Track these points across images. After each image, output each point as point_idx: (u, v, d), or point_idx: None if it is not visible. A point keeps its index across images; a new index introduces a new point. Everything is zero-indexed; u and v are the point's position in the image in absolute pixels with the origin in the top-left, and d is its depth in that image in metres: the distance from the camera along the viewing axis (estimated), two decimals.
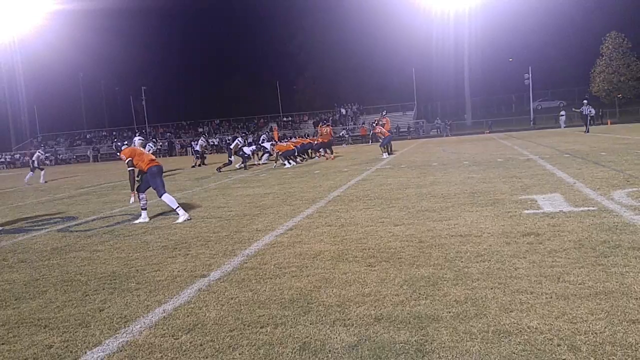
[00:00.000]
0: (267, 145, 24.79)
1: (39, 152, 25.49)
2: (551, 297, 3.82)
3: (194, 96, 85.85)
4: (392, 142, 25.70)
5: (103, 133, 74.49)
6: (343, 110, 62.97)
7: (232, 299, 4.35)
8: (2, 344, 3.75)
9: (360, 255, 5.43)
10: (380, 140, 23.71)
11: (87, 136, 74.14)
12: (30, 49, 62.74)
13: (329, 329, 3.54)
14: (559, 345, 3.06)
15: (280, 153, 21.38)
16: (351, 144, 50.86)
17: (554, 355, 2.95)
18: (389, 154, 23.27)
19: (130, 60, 79.54)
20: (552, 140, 26.17)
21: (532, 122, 55.26)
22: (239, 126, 65.85)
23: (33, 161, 24.05)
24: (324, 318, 3.74)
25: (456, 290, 4.14)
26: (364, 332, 3.45)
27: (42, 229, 9.03)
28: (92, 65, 77.74)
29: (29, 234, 8.61)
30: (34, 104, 74.10)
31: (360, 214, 7.98)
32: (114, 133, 73.62)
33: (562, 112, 51.10)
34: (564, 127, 47.32)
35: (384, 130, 23.03)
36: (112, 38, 77.11)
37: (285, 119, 66.18)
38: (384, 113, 28.98)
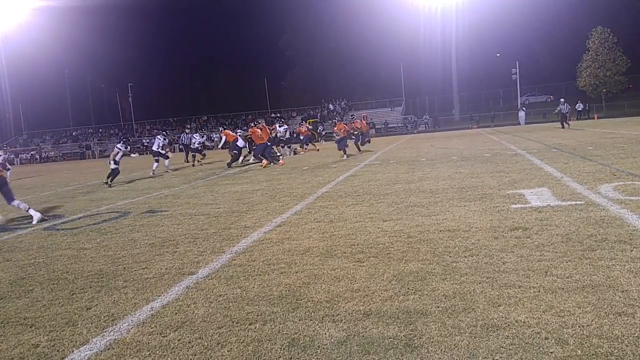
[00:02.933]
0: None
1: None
2: (539, 291, 3.84)
3: (181, 92, 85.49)
4: (377, 138, 26.41)
5: (89, 130, 73.92)
6: (331, 106, 62.97)
7: (220, 296, 4.33)
8: None
9: (349, 251, 5.43)
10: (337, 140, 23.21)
11: (73, 133, 73.55)
12: (14, 45, 62.10)
13: (317, 324, 3.53)
14: (546, 338, 3.08)
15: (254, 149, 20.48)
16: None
17: (541, 349, 2.96)
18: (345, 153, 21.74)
19: (116, 57, 79.00)
20: (540, 135, 26.34)
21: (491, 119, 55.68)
22: (227, 122, 65.64)
23: None
24: (312, 314, 3.73)
25: (445, 285, 4.15)
26: (352, 327, 3.45)
27: (28, 227, 8.94)
28: (78, 62, 77.15)
29: (14, 232, 8.52)
30: (19, 101, 73.41)
31: (349, 209, 7.98)
32: (100, 130, 73.12)
33: (523, 109, 52.04)
34: (524, 124, 48.14)
35: (339, 131, 22.05)
36: (98, 35, 76.50)
37: (273, 115, 66.03)
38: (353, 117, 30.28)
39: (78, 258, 6.24)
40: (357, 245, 5.68)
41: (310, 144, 29.15)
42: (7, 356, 3.45)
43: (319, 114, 61.81)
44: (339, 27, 73.75)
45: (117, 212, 9.95)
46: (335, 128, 22.47)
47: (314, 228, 6.79)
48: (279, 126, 25.37)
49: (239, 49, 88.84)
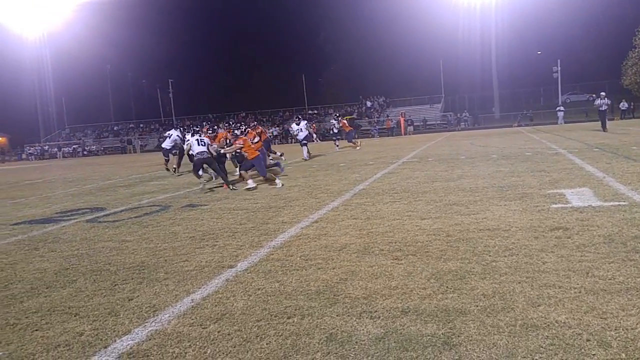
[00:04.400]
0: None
1: None
2: (580, 292, 3.78)
3: (220, 89, 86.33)
4: (416, 136, 25.74)
5: (130, 125, 75.44)
6: (369, 103, 62.71)
7: (259, 289, 4.39)
8: (36, 330, 3.85)
9: (386, 249, 5.43)
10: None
11: (115, 128, 75.19)
12: (59, 42, 63.72)
13: (355, 320, 3.55)
14: (588, 340, 3.03)
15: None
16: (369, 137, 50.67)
17: (583, 351, 2.92)
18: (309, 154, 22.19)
19: (157, 53, 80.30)
20: (580, 134, 25.72)
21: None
22: (264, 119, 66.10)
23: None
24: (350, 310, 3.76)
25: (484, 284, 4.12)
26: (390, 324, 3.46)
27: (71, 219, 9.21)
28: (120, 58, 78.71)
29: (59, 224, 8.79)
30: (62, 96, 75.30)
31: (387, 207, 7.96)
32: (141, 125, 74.54)
33: (561, 108, 50.52)
34: (563, 123, 46.67)
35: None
36: (139, 30, 77.91)
37: (310, 111, 66.18)
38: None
39: (120, 250, 6.41)
40: (395, 242, 5.67)
41: (349, 140, 28.20)
42: (54, 343, 3.58)
43: (356, 111, 61.66)
44: (377, 24, 73.42)
45: (157, 205, 10.16)
46: (340, 124, 26.17)
47: (350, 225, 6.80)
48: (296, 124, 22.86)
49: (277, 45, 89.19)
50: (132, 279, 5.06)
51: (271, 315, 3.76)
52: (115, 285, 4.90)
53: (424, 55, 67.65)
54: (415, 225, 6.50)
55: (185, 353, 3.25)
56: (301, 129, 22.20)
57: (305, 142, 21.96)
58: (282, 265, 5.09)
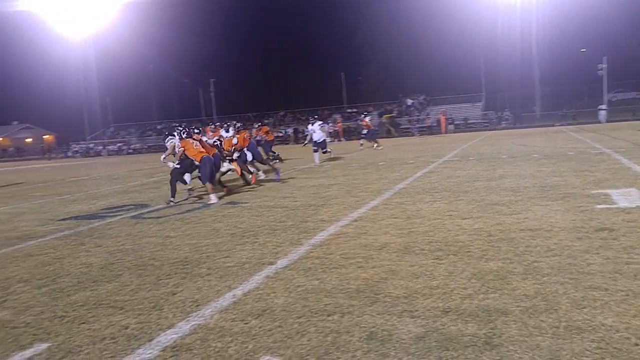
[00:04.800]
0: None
1: None
2: (627, 295, 3.68)
3: (259, 88, 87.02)
4: (456, 135, 25.10)
5: (173, 124, 76.75)
6: (410, 101, 62.18)
7: (299, 286, 4.43)
8: (82, 323, 3.98)
9: (427, 248, 5.40)
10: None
11: (158, 127, 76.62)
12: (103, 42, 65.32)
13: (396, 319, 3.55)
14: (636, 344, 2.96)
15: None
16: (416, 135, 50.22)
17: (631, 355, 2.85)
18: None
19: (199, 53, 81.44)
20: (627, 133, 24.95)
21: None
22: (303, 118, 66.32)
23: None
24: (390, 309, 3.75)
25: (526, 284, 4.06)
26: (431, 323, 3.44)
27: (117, 215, 9.44)
28: (162, 57, 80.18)
29: (104, 220, 9.03)
30: (107, 95, 77.13)
31: (427, 206, 7.91)
32: (184, 124, 75.74)
33: (602, 106, 48.87)
34: (605, 122, 45.13)
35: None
36: (182, 30, 79.31)
37: (349, 110, 66.07)
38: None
39: (164, 245, 6.55)
40: (436, 242, 5.63)
41: (372, 140, 27.15)
42: (100, 335, 3.69)
43: (396, 109, 61.25)
44: (416, 21, 72.70)
45: (200, 202, 10.32)
46: (362, 123, 25.95)
47: (390, 224, 6.78)
48: (311, 124, 19.48)
49: (317, 44, 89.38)
50: (176, 274, 5.17)
51: (311, 313, 3.79)
52: (160, 280, 5.01)
53: (464, 52, 66.67)
54: (456, 224, 6.45)
55: (228, 348, 3.30)
56: (314, 130, 19.18)
57: (316, 147, 18.97)
58: (322, 263, 5.12)
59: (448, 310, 3.66)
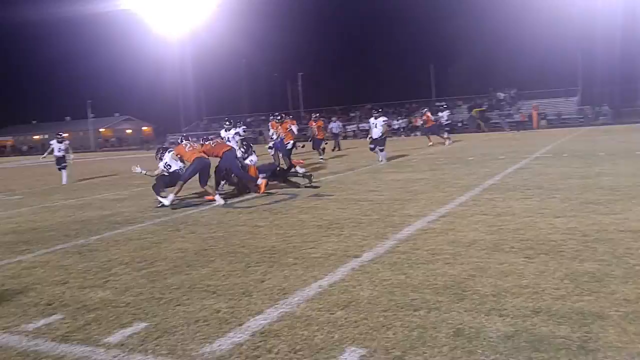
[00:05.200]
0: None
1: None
2: None
3: (347, 81, 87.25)
4: (550, 130, 23.70)
5: (262, 117, 78.52)
6: (502, 95, 60.09)
7: (384, 280, 4.42)
8: (178, 305, 4.18)
9: (517, 246, 5.23)
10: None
11: (248, 120, 78.73)
12: (199, 39, 67.80)
13: (484, 317, 3.47)
14: None
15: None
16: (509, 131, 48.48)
17: None
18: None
19: (289, 47, 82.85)
20: None
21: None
22: (390, 111, 65.83)
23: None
24: (478, 306, 3.67)
25: (625, 288, 3.84)
26: (521, 323, 3.34)
27: (209, 204, 9.80)
28: (255, 52, 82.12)
29: (198, 208, 9.41)
30: (201, 89, 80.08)
31: (518, 203, 7.64)
32: (271, 117, 77.32)
33: None
34: None
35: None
36: (274, 25, 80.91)
37: (437, 103, 64.87)
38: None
39: (253, 234, 6.74)
40: (526, 240, 5.44)
41: (437, 135, 26.03)
42: (194, 318, 3.86)
43: (486, 103, 59.44)
44: (510, 11, 70.01)
45: (287, 194, 10.52)
46: (424, 117, 25.59)
47: (480, 220, 6.62)
48: (374, 118, 17.10)
49: (406, 36, 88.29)
50: (264, 262, 5.32)
51: (397, 307, 3.78)
52: (249, 267, 5.17)
53: (559, 44, 63.45)
54: (549, 223, 6.19)
55: (314, 336, 3.36)
56: (376, 125, 16.74)
57: (373, 145, 16.89)
58: (408, 258, 5.08)
59: (539, 310, 3.53)
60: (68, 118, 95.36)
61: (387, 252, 5.37)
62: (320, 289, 4.32)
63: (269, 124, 17.20)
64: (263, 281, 4.67)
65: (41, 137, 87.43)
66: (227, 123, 14.63)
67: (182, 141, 10.48)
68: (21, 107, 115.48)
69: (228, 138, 13.14)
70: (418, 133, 28.69)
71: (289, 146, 14.80)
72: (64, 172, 16.82)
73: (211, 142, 10.81)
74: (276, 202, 9.51)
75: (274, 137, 15.93)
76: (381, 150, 16.69)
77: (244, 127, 16.07)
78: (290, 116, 24.78)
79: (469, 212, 7.26)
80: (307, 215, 7.83)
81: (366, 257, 5.21)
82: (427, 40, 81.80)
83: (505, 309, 3.59)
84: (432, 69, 68.87)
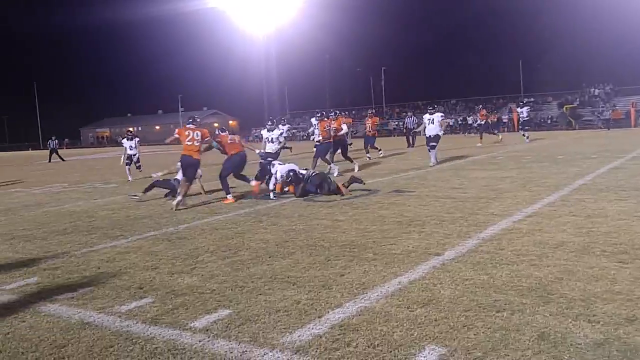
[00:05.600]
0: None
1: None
2: None
3: (431, 75, 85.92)
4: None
5: (344, 112, 78.71)
6: (596, 91, 57.00)
7: (466, 280, 4.34)
8: (260, 294, 4.29)
9: (609, 250, 4.97)
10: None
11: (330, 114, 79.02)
12: (284, 36, 68.86)
13: (571, 322, 3.33)
14: None
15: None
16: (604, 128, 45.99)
17: None
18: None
19: (372, 42, 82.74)
20: None
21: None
22: (474, 107, 64.11)
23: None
24: (565, 311, 3.53)
25: None
26: (612, 331, 3.18)
27: (290, 196, 9.95)
28: (338, 47, 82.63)
29: (279, 201, 9.59)
30: (285, 84, 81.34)
31: (611, 205, 7.25)
32: (354, 112, 77.44)
33: None
34: None
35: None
36: (358, 20, 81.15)
37: (525, 99, 62.48)
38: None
39: (333, 228, 6.80)
40: (620, 244, 5.16)
41: (489, 132, 25.25)
42: (275, 307, 3.95)
43: (578, 99, 56.62)
44: (603, 3, 66.21)
45: (367, 189, 10.51)
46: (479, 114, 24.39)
47: (569, 222, 6.34)
48: (429, 114, 15.82)
49: (494, 30, 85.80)
50: (344, 256, 5.35)
51: (479, 307, 3.69)
52: (329, 260, 5.22)
53: None
54: None
55: (393, 333, 3.35)
56: (432, 121, 15.36)
57: (434, 143, 15.23)
58: (492, 258, 4.95)
59: (633, 318, 3.34)
60: (160, 111, 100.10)
61: (470, 251, 5.26)
62: (399, 286, 4.30)
63: (316, 122, 16.29)
64: (343, 275, 4.70)
65: (135, 128, 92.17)
66: (270, 123, 12.94)
67: (224, 131, 10.73)
68: (117, 101, 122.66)
69: (272, 139, 12.18)
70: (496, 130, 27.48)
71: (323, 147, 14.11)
72: (129, 169, 15.91)
73: (229, 136, 10.44)
74: (356, 197, 9.52)
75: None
76: (433, 148, 15.09)
77: (289, 125, 15.32)
78: (372, 111, 24.42)
79: (557, 212, 6.97)
80: (387, 211, 7.80)
81: (448, 256, 5.12)
82: (516, 34, 79.05)
83: (595, 315, 3.43)
84: (520, 63, 66.36)
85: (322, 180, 9.83)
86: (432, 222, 6.82)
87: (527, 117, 26.01)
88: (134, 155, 16.30)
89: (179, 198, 9.32)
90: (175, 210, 9.02)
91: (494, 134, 25.43)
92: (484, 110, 26.39)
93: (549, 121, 51.60)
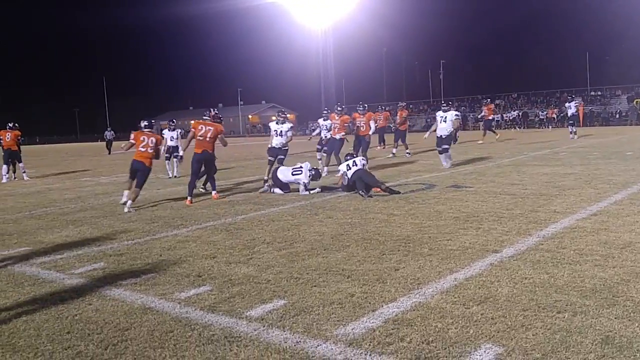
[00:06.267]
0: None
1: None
2: None
3: (492, 69, 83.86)
4: None
5: (401, 105, 77.99)
6: None
7: (525, 278, 4.22)
8: (314, 286, 4.32)
9: None
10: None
11: (387, 108, 78.55)
12: (342, 30, 68.76)
13: (637, 326, 3.19)
14: None
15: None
16: None
17: None
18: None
19: (430, 35, 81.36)
20: None
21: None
22: (538, 100, 62.14)
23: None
24: (632, 314, 3.38)
25: None
26: None
27: (353, 190, 9.90)
28: (396, 41, 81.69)
29: (335, 194, 9.60)
30: (342, 78, 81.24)
31: None
32: (411, 106, 76.61)
33: None
34: None
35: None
36: (415, 13, 79.98)
37: (592, 93, 60.06)
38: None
39: (388, 222, 6.76)
40: None
41: (488, 129, 23.99)
42: (329, 300, 3.97)
43: None
44: None
45: (423, 184, 10.39)
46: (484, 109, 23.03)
47: (637, 221, 6.06)
48: (442, 111, 13.69)
49: (559, 20, 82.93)
50: (399, 250, 5.31)
51: (539, 307, 3.59)
52: (383, 254, 5.20)
53: None
54: None
55: (448, 329, 3.31)
56: (444, 119, 13.43)
57: (446, 145, 13.44)
58: (553, 257, 4.80)
59: None
60: (220, 105, 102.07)
61: (530, 249, 5.12)
62: (455, 282, 4.23)
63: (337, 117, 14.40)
64: (397, 269, 4.67)
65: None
66: (280, 117, 11.98)
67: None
68: (179, 94, 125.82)
69: (281, 132, 11.31)
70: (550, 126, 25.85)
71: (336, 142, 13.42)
72: (175, 162, 14.50)
73: (200, 130, 9.54)
74: (412, 191, 9.42)
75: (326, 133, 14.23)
76: (446, 151, 13.38)
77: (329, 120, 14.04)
78: (403, 104, 22.99)
79: (624, 211, 6.68)
80: (444, 207, 7.68)
81: (506, 253, 5.00)
82: (583, 25, 76.04)
83: None
84: (587, 55, 63.79)
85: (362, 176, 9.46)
86: (491, 218, 6.67)
87: (575, 112, 24.67)
88: (175, 147, 14.59)
89: (126, 200, 8.94)
90: (127, 212, 8.55)
91: (493, 131, 24.51)
92: (492, 105, 25.16)
93: (617, 116, 49.42)
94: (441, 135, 13.32)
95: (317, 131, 15.32)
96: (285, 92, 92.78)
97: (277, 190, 9.96)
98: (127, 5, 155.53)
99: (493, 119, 25.49)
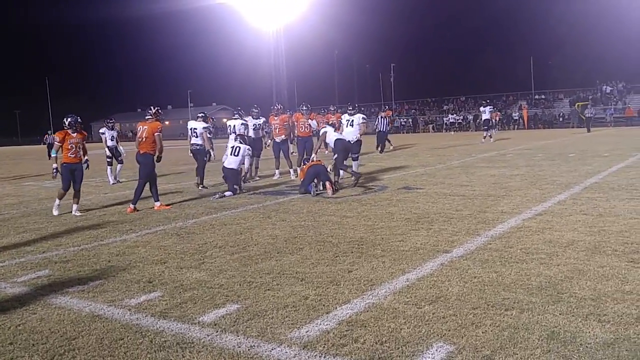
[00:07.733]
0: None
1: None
2: None
3: (440, 73, 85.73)
4: None
5: (353, 109, 78.49)
6: (608, 88, 56.52)
7: (475, 277, 4.32)
8: (268, 289, 4.29)
9: (620, 250, 4.93)
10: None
11: (338, 111, 78.95)
12: (293, 32, 68.84)
13: (581, 321, 3.31)
14: None
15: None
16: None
17: None
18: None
19: (381, 38, 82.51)
20: None
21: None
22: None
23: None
24: (575, 310, 3.50)
25: None
26: (622, 330, 3.15)
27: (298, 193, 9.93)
28: (347, 43, 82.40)
29: (288, 196, 9.60)
30: (294, 80, 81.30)
31: (623, 204, 7.19)
32: (362, 108, 77.31)
33: None
34: None
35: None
36: (367, 16, 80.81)
37: (537, 96, 62.05)
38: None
39: (341, 224, 6.79)
40: (631, 244, 5.11)
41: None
42: (283, 303, 3.95)
43: (590, 96, 56.18)
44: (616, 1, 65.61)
45: (376, 185, 10.50)
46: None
47: (579, 220, 6.29)
48: (348, 115, 12.61)
49: (504, 26, 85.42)
50: (352, 252, 5.35)
51: (488, 305, 3.68)
52: (337, 256, 5.22)
53: None
54: None
55: (400, 329, 3.34)
56: (351, 123, 12.32)
57: (355, 154, 11.95)
58: (501, 256, 4.93)
59: None
60: (170, 107, 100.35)
61: (479, 248, 5.24)
62: (407, 283, 4.28)
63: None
64: (350, 271, 4.70)
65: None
66: (237, 113, 12.91)
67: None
68: (127, 96, 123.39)
69: (234, 127, 12.01)
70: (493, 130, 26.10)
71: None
72: (118, 167, 13.88)
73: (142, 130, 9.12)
74: (365, 193, 9.50)
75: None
76: (355, 159, 11.95)
77: (251, 117, 13.68)
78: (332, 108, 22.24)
79: (567, 211, 6.92)
80: (395, 208, 7.78)
81: (456, 253, 5.10)
82: (527, 30, 78.57)
83: (606, 315, 3.40)
84: (532, 60, 65.89)
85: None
86: (441, 219, 6.80)
87: (488, 117, 25.53)
88: (114, 148, 13.83)
89: (57, 203, 8.76)
90: (58, 214, 8.50)
91: (389, 141, 24.43)
92: (390, 111, 25.41)
93: (560, 119, 51.23)
94: (349, 141, 11.47)
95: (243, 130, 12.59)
96: (237, 94, 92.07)
97: (227, 193, 9.88)
98: (72, 4, 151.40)
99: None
